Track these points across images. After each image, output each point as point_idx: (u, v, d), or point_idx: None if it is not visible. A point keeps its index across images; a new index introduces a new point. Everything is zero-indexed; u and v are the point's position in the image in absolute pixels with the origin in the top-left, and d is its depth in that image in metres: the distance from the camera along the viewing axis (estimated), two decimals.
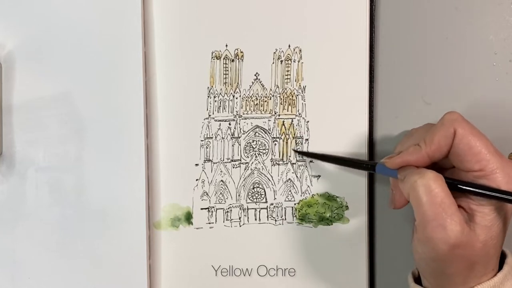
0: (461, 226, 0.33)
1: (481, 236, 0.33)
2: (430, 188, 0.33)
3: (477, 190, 0.34)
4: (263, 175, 0.45)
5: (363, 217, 0.45)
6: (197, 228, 0.45)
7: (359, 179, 0.44)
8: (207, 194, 0.45)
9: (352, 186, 0.44)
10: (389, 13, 0.44)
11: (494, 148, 0.34)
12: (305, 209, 0.45)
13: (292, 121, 0.45)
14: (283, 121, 0.45)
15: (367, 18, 0.43)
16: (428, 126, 0.38)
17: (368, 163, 0.41)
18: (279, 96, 0.44)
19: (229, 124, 0.45)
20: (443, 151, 0.35)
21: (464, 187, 0.34)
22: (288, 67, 0.44)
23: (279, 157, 0.45)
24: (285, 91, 0.44)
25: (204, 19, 0.44)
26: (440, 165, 0.37)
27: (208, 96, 0.44)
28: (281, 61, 0.44)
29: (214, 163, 0.45)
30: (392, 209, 0.42)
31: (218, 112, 0.44)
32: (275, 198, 0.45)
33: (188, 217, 0.45)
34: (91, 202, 0.43)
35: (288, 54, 0.44)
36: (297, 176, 0.45)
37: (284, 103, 0.44)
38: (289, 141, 0.45)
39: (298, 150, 0.44)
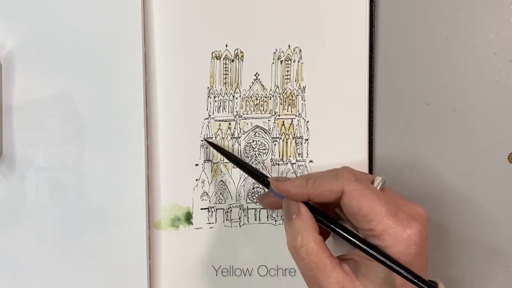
0: (339, 284, 0.33)
1: None
2: (309, 251, 0.34)
3: (361, 245, 0.34)
4: None
5: None
6: (197, 228, 0.45)
7: None
8: (207, 194, 0.45)
9: None
10: (389, 13, 0.44)
11: (387, 208, 0.33)
12: None
13: (292, 121, 0.45)
14: (283, 121, 0.45)
15: (367, 18, 0.43)
16: (339, 170, 0.37)
17: (264, 178, 0.39)
18: (279, 96, 0.44)
19: (229, 124, 0.45)
20: (325, 200, 0.35)
21: (349, 239, 0.34)
22: (288, 67, 0.44)
23: (279, 157, 0.45)
24: (285, 91, 0.44)
25: (204, 19, 0.44)
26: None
27: (208, 96, 0.44)
28: (281, 61, 0.44)
29: (214, 163, 0.45)
30: None
31: (218, 112, 0.44)
32: None
33: (188, 217, 0.45)
34: (91, 202, 0.43)
35: (288, 54, 0.44)
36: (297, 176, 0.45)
37: (284, 103, 0.44)
38: (289, 141, 0.45)
39: (209, 140, 0.44)
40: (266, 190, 0.39)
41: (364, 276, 0.34)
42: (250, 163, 0.44)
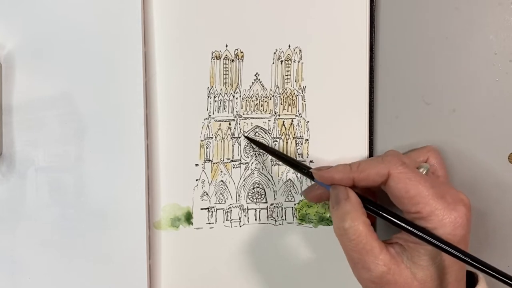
0: (386, 267, 0.33)
1: (418, 274, 0.34)
2: (357, 232, 0.34)
3: (409, 228, 0.34)
4: (263, 175, 0.45)
5: None
6: (197, 228, 0.45)
7: None
8: (207, 194, 0.45)
9: None
10: (389, 13, 0.44)
11: (434, 191, 0.34)
12: (305, 209, 0.45)
13: (292, 121, 0.45)
14: (283, 121, 0.45)
15: (367, 18, 0.43)
16: (384, 154, 0.38)
17: (309, 170, 0.40)
18: (279, 96, 0.44)
19: (229, 124, 0.45)
20: (370, 183, 0.35)
21: (397, 223, 0.35)
22: (288, 67, 0.44)
23: None
24: (285, 91, 0.44)
25: (204, 19, 0.44)
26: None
27: (208, 96, 0.44)
28: (281, 61, 0.44)
29: (214, 163, 0.45)
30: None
31: (218, 112, 0.44)
32: (275, 198, 0.45)
33: (188, 217, 0.45)
34: (91, 202, 0.43)
35: (288, 54, 0.44)
36: (297, 176, 0.45)
37: (284, 103, 0.44)
38: (289, 141, 0.45)
39: (249, 136, 0.44)
40: (311, 182, 0.39)
41: (410, 260, 0.34)
42: (293, 157, 0.44)
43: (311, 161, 0.45)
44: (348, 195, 0.36)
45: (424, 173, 0.37)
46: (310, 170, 0.38)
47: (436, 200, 0.34)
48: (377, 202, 0.37)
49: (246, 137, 0.44)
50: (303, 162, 0.43)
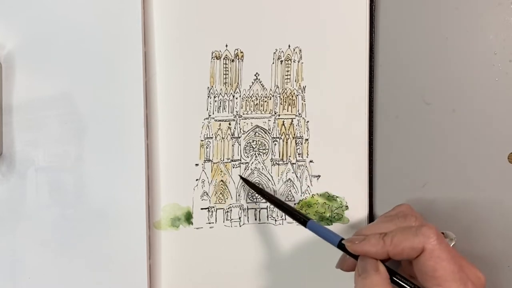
0: None
1: None
2: None
3: None
4: (263, 175, 0.45)
5: (363, 217, 0.45)
6: (197, 228, 0.45)
7: (359, 179, 0.44)
8: (207, 194, 0.45)
9: (352, 186, 0.44)
10: (389, 13, 0.44)
11: (460, 275, 0.33)
12: (305, 209, 0.45)
13: (292, 121, 0.45)
14: (283, 121, 0.45)
15: (367, 18, 0.43)
16: (402, 219, 0.37)
17: (302, 217, 0.40)
18: (279, 96, 0.44)
19: (229, 124, 0.45)
20: (404, 257, 0.35)
21: None
22: (288, 67, 0.44)
23: (279, 157, 0.45)
24: (285, 91, 0.44)
25: (204, 19, 0.44)
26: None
27: (208, 96, 0.44)
28: (281, 61, 0.44)
29: (214, 163, 0.45)
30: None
31: (218, 112, 0.44)
32: None
33: (188, 217, 0.45)
34: (91, 202, 0.43)
35: (288, 54, 0.44)
36: (297, 176, 0.45)
37: (284, 103, 0.44)
38: (289, 141, 0.45)
39: (246, 178, 0.44)
40: (305, 228, 0.39)
41: None
42: (288, 203, 0.44)
43: (311, 161, 0.45)
44: (378, 268, 0.35)
45: (452, 245, 0.37)
46: (342, 242, 0.37)
47: (458, 285, 0.33)
48: (402, 274, 0.36)
49: (242, 178, 0.44)
50: (301, 211, 0.42)
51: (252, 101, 0.44)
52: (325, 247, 0.45)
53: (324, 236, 0.38)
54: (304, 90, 0.44)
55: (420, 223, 0.37)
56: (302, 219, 0.40)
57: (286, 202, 0.44)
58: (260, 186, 0.44)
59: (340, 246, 0.37)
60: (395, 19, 0.44)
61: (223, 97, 0.44)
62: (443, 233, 0.37)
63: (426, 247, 0.34)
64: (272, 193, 0.45)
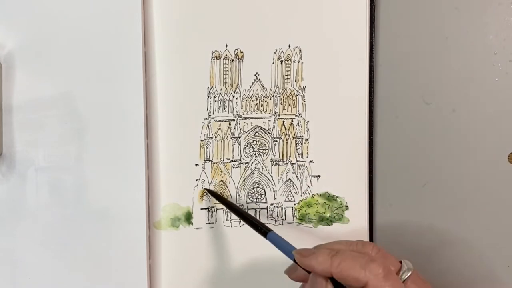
0: None
1: None
2: None
3: None
4: (263, 175, 0.45)
5: (363, 217, 0.45)
6: (197, 228, 0.45)
7: (359, 179, 0.44)
8: (207, 194, 0.45)
9: (352, 186, 0.44)
10: (389, 13, 0.44)
11: None
12: (305, 209, 0.45)
13: (292, 121, 0.45)
14: (283, 121, 0.45)
15: (367, 18, 0.43)
16: (360, 245, 0.36)
17: (263, 228, 0.39)
18: (279, 96, 0.44)
19: (229, 124, 0.45)
20: (347, 284, 0.34)
21: None
22: (288, 67, 0.44)
23: (279, 157, 0.45)
24: (285, 91, 0.44)
25: (204, 19, 0.44)
26: None
27: (208, 96, 0.44)
28: (281, 61, 0.44)
29: (214, 163, 0.45)
30: (391, 210, 0.42)
31: (218, 112, 0.44)
32: (275, 198, 0.45)
33: (188, 217, 0.45)
34: (91, 202, 0.43)
35: (288, 54, 0.44)
36: (297, 176, 0.45)
37: (284, 103, 0.44)
38: (289, 141, 0.45)
39: (210, 190, 0.44)
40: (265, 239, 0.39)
41: None
42: (248, 212, 0.44)
43: (311, 161, 0.45)
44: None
45: (406, 277, 0.35)
46: (293, 252, 0.37)
47: None
48: None
49: (207, 189, 0.44)
50: (261, 222, 0.41)
51: (252, 101, 0.44)
52: None
53: (282, 249, 0.38)
54: (304, 90, 0.44)
55: (376, 255, 0.35)
56: (262, 230, 0.39)
57: (248, 212, 0.43)
58: (224, 196, 0.44)
59: (265, 234, 0.38)
60: (395, 19, 0.44)
61: (223, 97, 0.44)
62: (400, 261, 0.36)
63: (370, 283, 0.33)
64: (272, 193, 0.45)
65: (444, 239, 0.44)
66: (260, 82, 0.44)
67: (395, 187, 0.45)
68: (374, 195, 0.45)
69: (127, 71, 0.43)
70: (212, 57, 0.44)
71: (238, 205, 0.45)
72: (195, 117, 0.44)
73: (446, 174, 0.44)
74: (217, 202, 0.44)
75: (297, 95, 0.44)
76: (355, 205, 0.45)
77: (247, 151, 0.45)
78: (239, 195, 0.45)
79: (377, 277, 0.33)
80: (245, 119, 0.45)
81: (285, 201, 0.45)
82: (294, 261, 0.36)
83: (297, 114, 0.44)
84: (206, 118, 0.44)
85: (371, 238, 0.44)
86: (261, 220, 0.45)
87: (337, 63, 0.44)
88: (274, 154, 0.45)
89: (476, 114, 0.43)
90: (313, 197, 0.45)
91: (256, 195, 0.45)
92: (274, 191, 0.45)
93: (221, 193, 0.45)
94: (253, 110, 0.45)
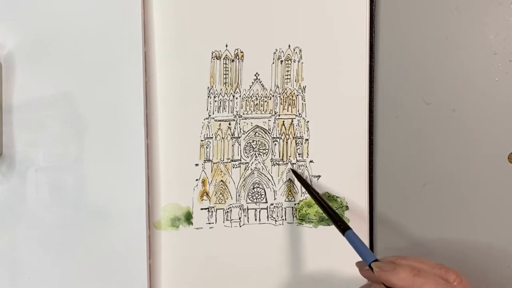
0: None
1: None
2: None
3: None
4: (263, 175, 0.45)
5: (363, 217, 0.45)
6: (197, 228, 0.45)
7: (359, 179, 0.44)
8: (207, 194, 0.45)
9: (352, 186, 0.44)
10: (389, 13, 0.44)
11: None
12: (305, 209, 0.45)
13: (292, 121, 0.45)
14: (283, 121, 0.45)
15: (367, 18, 0.43)
16: (444, 270, 0.35)
17: (343, 224, 0.39)
18: (279, 96, 0.44)
19: (229, 124, 0.45)
20: None
21: None
22: (288, 67, 0.44)
23: (279, 157, 0.45)
24: (285, 91, 0.44)
25: (204, 19, 0.44)
26: None
27: (208, 96, 0.44)
28: (281, 61, 0.44)
29: (214, 163, 0.45)
30: (391, 210, 0.42)
31: (218, 112, 0.44)
32: (275, 198, 0.45)
33: (188, 217, 0.45)
34: (91, 202, 0.43)
35: (288, 54, 0.44)
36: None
37: (284, 103, 0.44)
38: (289, 141, 0.45)
39: (295, 171, 0.44)
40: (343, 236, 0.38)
41: None
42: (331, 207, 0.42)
43: (311, 161, 0.45)
44: None
45: None
46: (372, 265, 0.35)
47: None
48: None
49: (292, 170, 0.44)
50: (341, 218, 0.40)
51: (252, 101, 0.44)
52: (325, 247, 0.45)
53: (358, 251, 0.37)
54: (304, 90, 0.44)
55: (458, 285, 0.34)
56: (341, 227, 0.38)
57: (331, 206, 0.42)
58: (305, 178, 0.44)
59: (371, 266, 0.36)
60: (395, 19, 0.44)
61: (223, 97, 0.44)
62: None
63: None
64: (272, 193, 0.45)
65: (444, 239, 0.44)
66: (260, 82, 0.44)
67: (395, 187, 0.45)
68: (374, 195, 0.45)
69: (127, 71, 0.43)
70: (212, 57, 0.44)
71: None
72: (195, 117, 0.44)
73: (446, 174, 0.44)
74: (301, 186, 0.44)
75: (297, 95, 0.44)
76: (355, 205, 0.45)
77: (247, 151, 0.45)
78: (239, 195, 0.45)
79: None
80: (245, 119, 0.45)
81: (285, 201, 0.45)
82: (369, 266, 0.35)
83: (297, 114, 0.44)
84: (206, 118, 0.44)
85: (371, 238, 0.44)
86: (260, 220, 0.45)
87: (337, 63, 0.44)
88: (274, 154, 0.45)
89: (476, 114, 0.43)
90: None
91: (256, 195, 0.45)
92: (274, 191, 0.45)
93: (221, 193, 0.45)
94: (253, 110, 0.45)
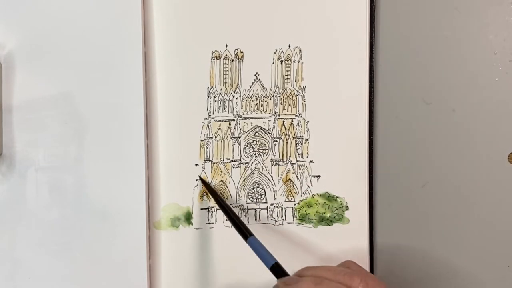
0: None
1: None
2: None
3: None
4: (263, 175, 0.45)
5: (363, 217, 0.45)
6: (197, 228, 0.45)
7: (359, 179, 0.44)
8: (207, 194, 0.45)
9: (352, 186, 0.44)
10: (389, 13, 0.44)
11: None
12: (305, 209, 0.45)
13: (292, 121, 0.45)
14: (283, 121, 0.45)
15: (367, 18, 0.43)
16: (348, 277, 0.35)
17: (245, 231, 0.40)
18: (279, 96, 0.44)
19: (229, 124, 0.45)
20: None
21: None
22: (288, 67, 0.44)
23: (279, 157, 0.45)
24: (285, 91, 0.44)
25: (204, 19, 0.44)
26: None
27: (208, 96, 0.44)
28: (281, 61, 0.44)
29: (214, 163, 0.45)
30: (391, 210, 0.42)
31: (218, 112, 0.44)
32: (275, 199, 0.45)
33: (188, 217, 0.45)
34: (91, 202, 0.43)
35: (288, 54, 0.44)
36: (297, 176, 0.45)
37: (284, 103, 0.44)
38: (289, 141, 0.45)
39: (203, 179, 0.44)
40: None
41: None
42: (238, 215, 0.44)
43: (311, 161, 0.45)
44: None
45: None
46: (277, 281, 0.36)
47: None
48: None
49: (200, 178, 0.44)
50: (245, 224, 0.41)
51: (252, 101, 0.44)
52: (325, 247, 0.45)
53: (260, 256, 0.38)
54: (304, 90, 0.44)
55: None
56: (244, 233, 0.40)
57: (234, 212, 0.43)
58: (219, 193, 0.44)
59: (272, 269, 0.37)
60: (395, 19, 0.44)
61: (223, 97, 0.44)
62: None
63: None
64: (272, 193, 0.45)
65: (444, 239, 0.44)
66: (260, 82, 0.44)
67: (395, 187, 0.45)
68: (374, 195, 0.45)
69: (127, 71, 0.43)
70: (212, 57, 0.44)
71: (236, 204, 0.44)
72: (195, 117, 0.44)
73: (446, 174, 0.44)
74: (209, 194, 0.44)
75: (297, 95, 0.44)
76: (355, 205, 0.45)
77: (247, 151, 0.45)
78: (239, 195, 0.45)
79: None
80: (245, 119, 0.45)
81: (285, 201, 0.45)
82: (271, 269, 0.37)
83: (297, 114, 0.45)
84: (206, 118, 0.44)
85: (371, 238, 0.44)
86: (260, 220, 0.45)
87: (337, 63, 0.44)
88: (274, 154, 0.45)
89: (476, 114, 0.43)
90: (313, 197, 0.45)
91: (256, 195, 0.45)
92: (274, 191, 0.45)
93: (221, 193, 0.45)
94: (253, 110, 0.45)
